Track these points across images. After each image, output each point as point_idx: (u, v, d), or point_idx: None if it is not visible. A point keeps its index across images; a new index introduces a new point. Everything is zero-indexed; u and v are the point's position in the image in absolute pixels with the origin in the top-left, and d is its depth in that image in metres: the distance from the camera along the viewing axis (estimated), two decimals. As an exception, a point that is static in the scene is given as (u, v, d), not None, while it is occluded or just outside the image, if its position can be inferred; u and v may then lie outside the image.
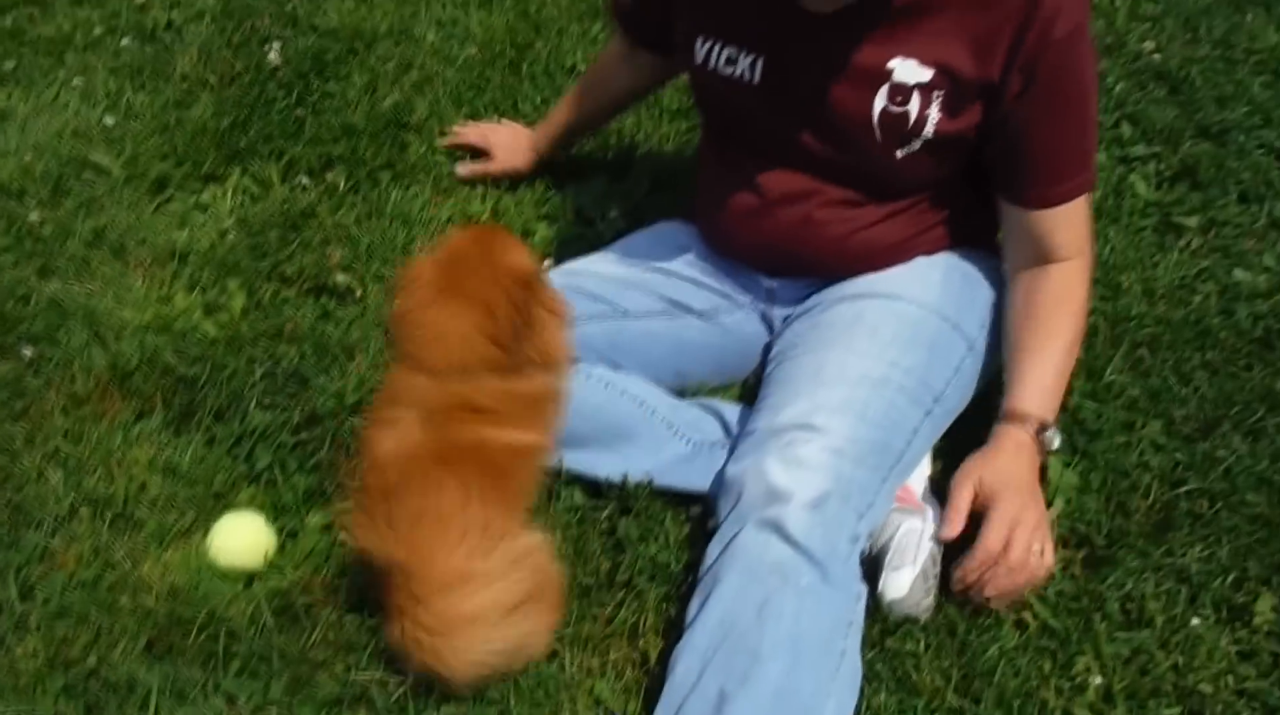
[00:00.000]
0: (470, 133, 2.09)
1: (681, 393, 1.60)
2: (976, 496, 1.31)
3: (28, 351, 1.74)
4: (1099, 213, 1.89)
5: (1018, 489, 1.30)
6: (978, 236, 1.50)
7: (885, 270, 1.47)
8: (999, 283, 1.50)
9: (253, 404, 1.63)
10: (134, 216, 2.04)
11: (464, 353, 1.24)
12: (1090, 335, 1.67)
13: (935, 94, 1.29)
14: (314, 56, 2.44)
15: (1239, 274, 1.77)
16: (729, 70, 1.40)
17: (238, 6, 2.65)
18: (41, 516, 1.50)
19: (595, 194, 2.01)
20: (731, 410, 1.55)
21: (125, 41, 2.54)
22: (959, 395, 1.45)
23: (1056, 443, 1.36)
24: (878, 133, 1.33)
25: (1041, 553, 1.28)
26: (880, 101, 1.31)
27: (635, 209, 1.96)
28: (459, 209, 2.02)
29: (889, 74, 1.29)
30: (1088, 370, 1.62)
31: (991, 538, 1.26)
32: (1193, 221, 1.89)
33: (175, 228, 2.03)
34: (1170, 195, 1.95)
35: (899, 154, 1.34)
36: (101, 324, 1.79)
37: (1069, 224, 1.37)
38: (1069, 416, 1.55)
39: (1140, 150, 2.04)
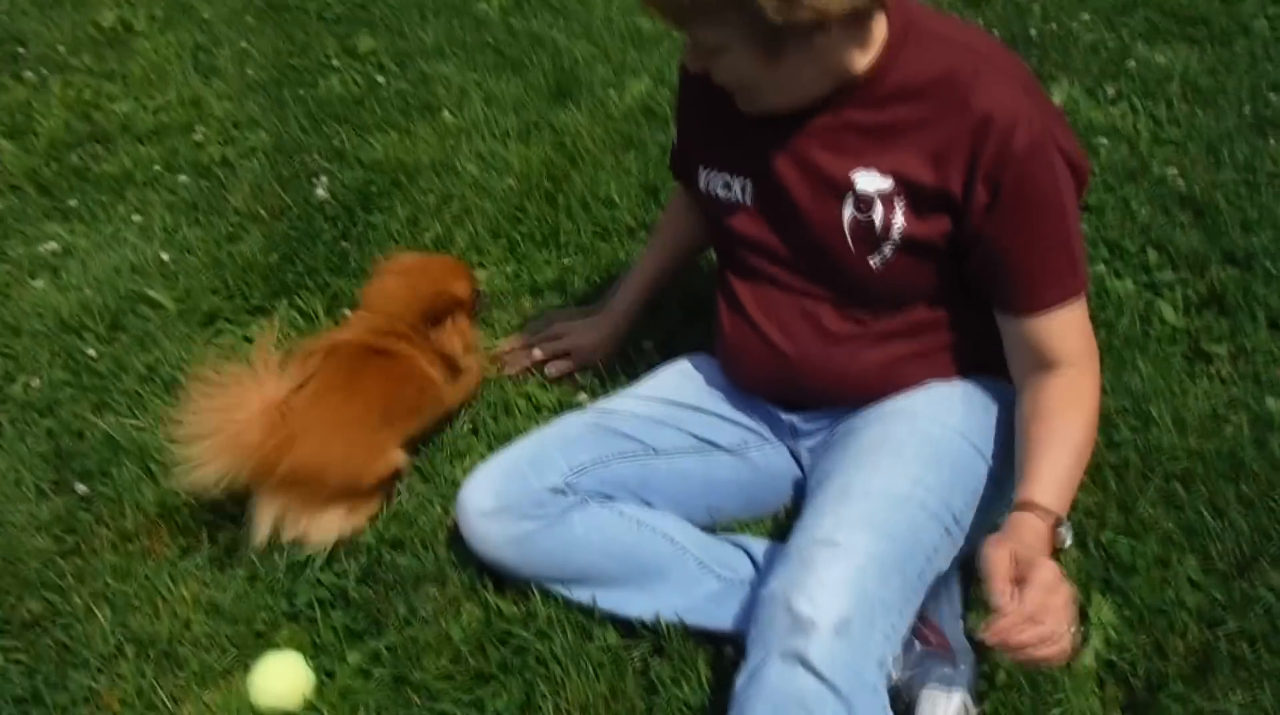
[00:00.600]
0: (546, 347, 1.96)
1: (712, 529, 1.62)
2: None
3: (81, 488, 1.80)
4: (1126, 340, 1.91)
5: (1050, 563, 1.24)
6: (992, 366, 1.52)
7: (906, 394, 1.50)
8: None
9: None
10: (185, 350, 2.12)
11: (393, 302, 1.78)
12: (1122, 467, 1.68)
13: (896, 200, 1.36)
14: (359, 190, 2.56)
15: (1271, 403, 1.77)
16: (725, 194, 1.50)
17: (288, 142, 2.79)
18: (88, 656, 1.53)
19: (633, 329, 2.06)
20: (761, 546, 1.57)
21: (182, 178, 2.67)
22: (976, 521, 1.46)
23: (1069, 541, 1.31)
24: (850, 242, 1.39)
25: (1070, 629, 1.22)
26: (848, 212, 1.38)
27: (669, 340, 2.01)
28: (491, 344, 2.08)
29: (851, 184, 1.37)
30: (1119, 504, 1.62)
31: (1031, 598, 1.19)
32: (1221, 349, 1.90)
33: (224, 360, 2.11)
34: (1198, 322, 1.96)
35: (872, 262, 1.39)
36: (152, 459, 1.85)
37: (1064, 330, 1.37)
38: (1103, 552, 1.55)
39: (1167, 276, 2.06)
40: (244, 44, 3.34)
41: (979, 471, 1.43)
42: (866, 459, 1.40)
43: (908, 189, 1.34)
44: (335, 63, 3.19)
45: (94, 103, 3.09)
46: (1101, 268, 2.08)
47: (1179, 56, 2.81)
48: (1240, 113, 2.56)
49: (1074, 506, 1.59)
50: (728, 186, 1.50)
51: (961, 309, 1.45)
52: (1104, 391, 1.77)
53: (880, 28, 1.32)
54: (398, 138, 2.79)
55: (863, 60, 1.32)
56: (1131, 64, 2.78)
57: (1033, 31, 2.98)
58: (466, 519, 1.50)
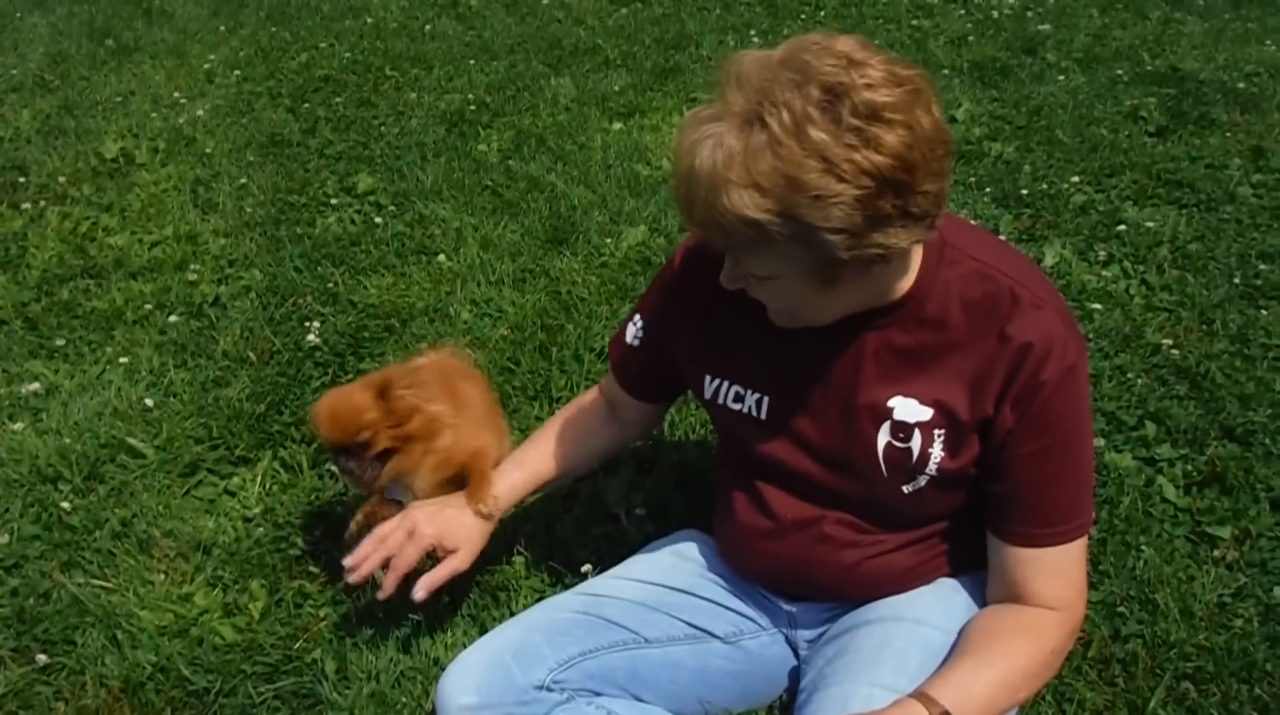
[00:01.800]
0: (412, 551, 1.55)
1: (705, 722, 1.54)
2: None
3: (42, 657, 1.72)
4: (1129, 521, 1.87)
5: None
6: None
7: (908, 592, 1.45)
8: None
9: (264, 722, 1.59)
10: (163, 503, 2.06)
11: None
12: (1129, 663, 1.62)
13: (936, 432, 1.31)
14: (351, 335, 2.54)
15: (1279, 593, 1.72)
16: (737, 406, 1.44)
17: (282, 282, 2.78)
18: None
19: (621, 489, 2.02)
20: (757, 741, 1.49)
21: (172, 317, 2.65)
22: None
23: None
24: (883, 468, 1.34)
25: None
26: (884, 437, 1.33)
27: (662, 506, 1.96)
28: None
29: (890, 412, 1.32)
30: (1129, 705, 1.55)
31: None
32: (1225, 532, 1.86)
33: (202, 514, 2.05)
34: (1200, 501, 1.93)
35: (905, 489, 1.35)
36: (119, 626, 1.77)
37: (1056, 572, 1.31)
38: (1115, 760, 1.48)
39: (1166, 452, 2.04)
40: (244, 179, 3.37)
41: None
42: (868, 669, 1.34)
43: (948, 421, 1.31)
44: (334, 201, 3.21)
45: (90, 234, 3.10)
46: (1101, 441, 2.05)
47: (1168, 221, 2.85)
48: (1231, 281, 2.58)
49: (1080, 705, 1.54)
50: (740, 398, 1.44)
51: (974, 509, 1.41)
52: (1108, 576, 1.75)
53: (918, 250, 1.28)
54: (392, 280, 2.79)
55: (905, 283, 1.29)
56: (1122, 227, 2.82)
57: (1024, 190, 3.04)
58: (446, 713, 1.42)
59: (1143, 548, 1.82)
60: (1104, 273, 2.66)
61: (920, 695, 1.24)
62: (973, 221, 1.48)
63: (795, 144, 1.08)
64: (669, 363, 1.55)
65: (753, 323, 1.36)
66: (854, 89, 1.08)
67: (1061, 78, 3.83)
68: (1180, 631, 1.66)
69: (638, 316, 1.60)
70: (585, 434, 1.69)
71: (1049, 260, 2.70)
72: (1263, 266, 2.63)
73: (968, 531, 1.43)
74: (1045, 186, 3.06)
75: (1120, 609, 1.70)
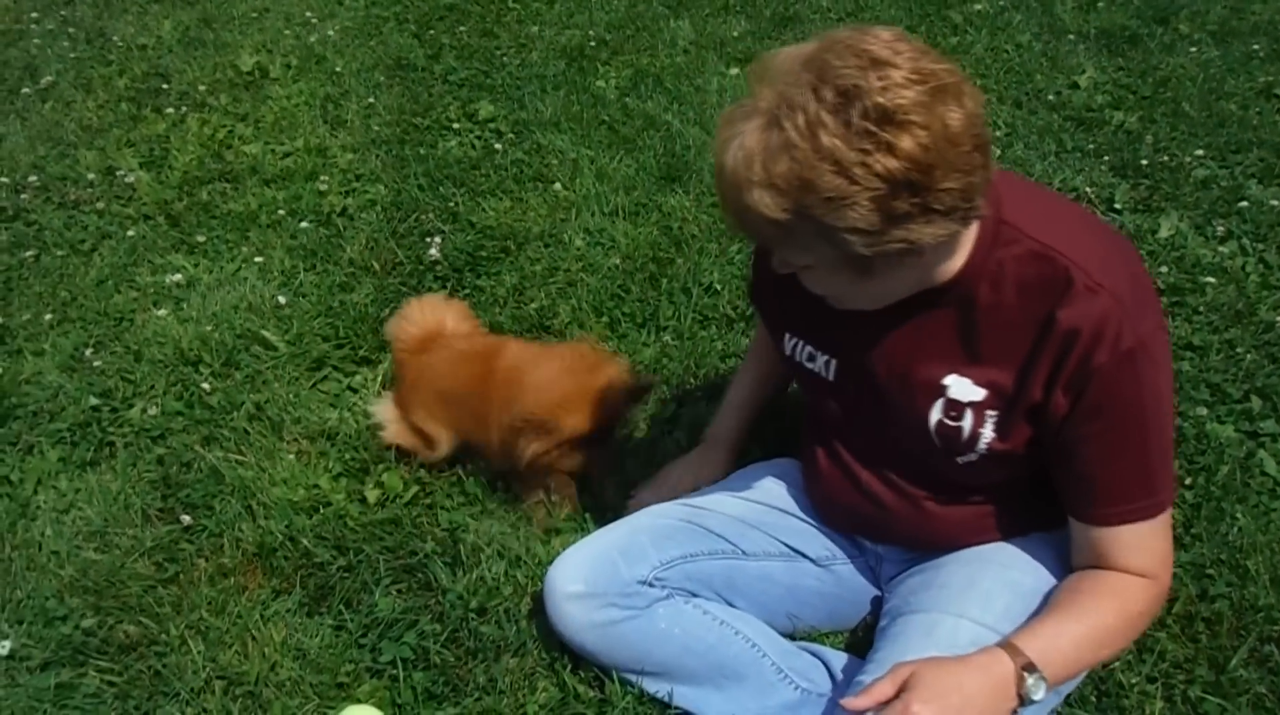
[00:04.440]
0: (654, 494, 1.80)
1: (792, 636, 1.63)
2: (900, 690, 1.23)
3: (186, 518, 1.88)
4: (1225, 489, 1.89)
5: (944, 702, 1.20)
6: None
7: (998, 542, 1.49)
8: None
9: (381, 596, 1.72)
10: (293, 392, 2.20)
11: None
12: (1214, 622, 1.65)
13: (988, 413, 1.33)
14: (470, 253, 2.65)
15: (1373, 572, 1.73)
16: (810, 365, 1.49)
17: (406, 199, 2.90)
18: (179, 688, 1.59)
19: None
20: (840, 660, 1.57)
21: (303, 224, 2.79)
22: (1071, 682, 1.44)
23: (1040, 694, 1.25)
24: (936, 441, 1.37)
25: None
26: (936, 414, 1.35)
27: (758, 433, 2.03)
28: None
29: (944, 389, 1.34)
30: (1210, 661, 1.59)
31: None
32: (1324, 508, 1.86)
33: (327, 407, 2.19)
34: (1301, 477, 1.93)
35: (959, 461, 1.38)
36: (254, 498, 1.92)
37: (1134, 547, 1.32)
38: (1190, 708, 1.52)
39: (1270, 426, 2.03)
40: (371, 99, 3.49)
41: None
42: (955, 601, 1.41)
43: (1001, 402, 1.32)
44: (456, 125, 3.31)
45: (227, 142, 3.25)
46: (1203, 411, 2.06)
47: (1293, 201, 2.79)
48: (1354, 266, 2.53)
49: (1161, 656, 1.58)
50: (813, 358, 1.48)
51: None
52: (1200, 540, 1.78)
53: (972, 230, 1.27)
54: (510, 205, 2.88)
55: (955, 264, 1.28)
56: (1244, 204, 2.77)
57: (1143, 161, 2.99)
58: (553, 600, 1.53)
59: (1238, 516, 1.83)
60: (1221, 248, 2.62)
61: (1006, 645, 1.28)
62: (1053, 190, 1.44)
63: (809, 147, 1.10)
64: (769, 312, 1.62)
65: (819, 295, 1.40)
66: (868, 92, 1.08)
67: (1193, 49, 3.72)
68: (1269, 597, 1.68)
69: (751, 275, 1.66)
70: (768, 353, 1.82)
71: (1164, 232, 2.67)
72: (1389, 254, 2.56)
73: (1047, 489, 1.47)
74: (1166, 158, 3.01)
75: (1210, 571, 1.73)
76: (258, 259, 2.64)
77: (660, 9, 4.18)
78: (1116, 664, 1.57)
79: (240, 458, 2.02)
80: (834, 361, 1.45)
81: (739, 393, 1.88)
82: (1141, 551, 1.32)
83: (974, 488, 1.44)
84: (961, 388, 1.33)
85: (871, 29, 1.14)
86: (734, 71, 3.65)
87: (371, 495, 1.95)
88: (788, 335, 1.51)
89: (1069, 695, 1.52)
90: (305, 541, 1.82)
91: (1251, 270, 2.53)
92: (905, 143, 1.09)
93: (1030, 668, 1.25)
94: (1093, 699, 1.54)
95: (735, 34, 3.95)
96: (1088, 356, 1.23)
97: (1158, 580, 1.34)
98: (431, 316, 2.00)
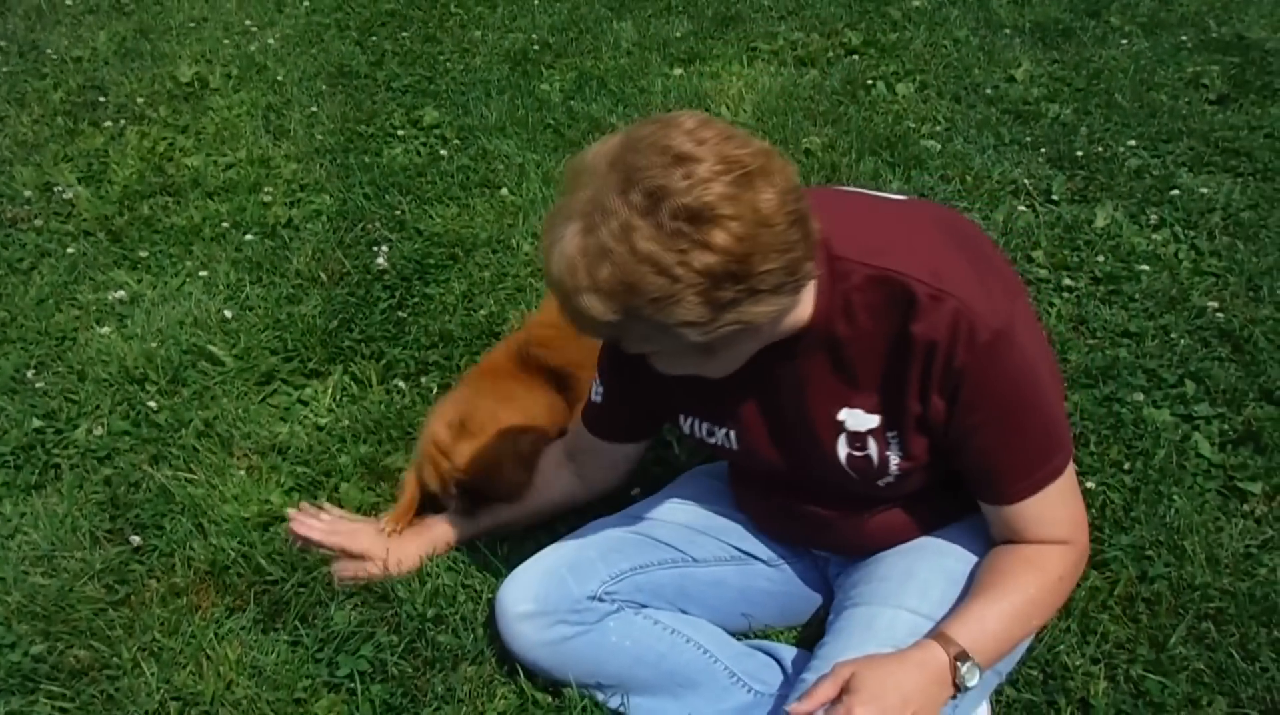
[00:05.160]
0: (333, 538, 1.76)
1: (746, 635, 1.65)
2: (842, 691, 1.26)
3: (135, 538, 1.86)
4: (1162, 472, 1.94)
5: (883, 703, 1.24)
6: None
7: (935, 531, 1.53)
8: None
9: (336, 610, 1.71)
10: (241, 408, 2.19)
11: None
12: (1154, 602, 1.70)
13: (888, 435, 1.36)
14: (418, 261, 2.64)
15: (1305, 547, 1.79)
16: (712, 439, 1.50)
17: (352, 208, 2.88)
18: (132, 710, 1.57)
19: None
20: (791, 653, 1.60)
21: (248, 237, 2.76)
22: (1008, 661, 1.49)
23: (974, 680, 1.29)
24: (852, 473, 1.40)
25: None
26: (843, 449, 1.38)
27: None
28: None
29: (841, 425, 1.37)
30: (1150, 640, 1.64)
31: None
32: (1256, 487, 1.92)
33: (277, 421, 2.18)
34: (1234, 458, 1.99)
35: (880, 483, 1.41)
36: (204, 516, 1.90)
37: (1042, 518, 1.36)
38: (1133, 687, 1.57)
39: (1204, 410, 2.10)
40: (314, 108, 3.46)
41: None
42: (894, 593, 1.44)
43: (892, 422, 1.34)
44: (400, 132, 3.30)
45: (167, 154, 3.21)
46: (1140, 396, 2.11)
47: (1222, 188, 2.87)
48: (1281, 249, 2.61)
49: (1104, 637, 1.63)
50: (712, 433, 1.49)
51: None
52: (1139, 522, 1.83)
53: (810, 285, 1.27)
54: (457, 211, 2.88)
55: (803, 314, 1.30)
56: (1175, 192, 2.84)
57: (1079, 152, 3.06)
58: (504, 620, 1.54)
59: (1174, 497, 1.89)
60: (1154, 236, 2.69)
61: (938, 636, 1.32)
62: (872, 196, 1.45)
63: (626, 251, 1.10)
64: (632, 411, 1.61)
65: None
66: (674, 193, 1.09)
67: (1124, 42, 3.82)
68: (1205, 576, 1.74)
69: (596, 378, 1.62)
70: (547, 483, 1.76)
71: (1100, 222, 2.74)
72: (1315, 237, 2.65)
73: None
74: (1101, 149, 3.08)
75: (1149, 552, 1.78)
76: (202, 273, 2.62)
77: (602, 11, 4.20)
78: (1061, 646, 1.61)
79: (190, 476, 2.00)
80: (732, 431, 1.47)
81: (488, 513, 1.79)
82: (1050, 521, 1.37)
83: (901, 496, 1.48)
84: (856, 419, 1.36)
85: (675, 119, 1.14)
86: (677, 72, 3.68)
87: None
88: (682, 416, 1.51)
89: (1014, 678, 1.56)
90: (258, 558, 1.81)
91: (1184, 257, 2.61)
92: (718, 238, 1.10)
93: (963, 656, 1.30)
94: (1039, 681, 1.58)
95: (678, 34, 3.97)
96: (949, 360, 1.26)
97: (1073, 543, 1.39)
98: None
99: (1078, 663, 1.60)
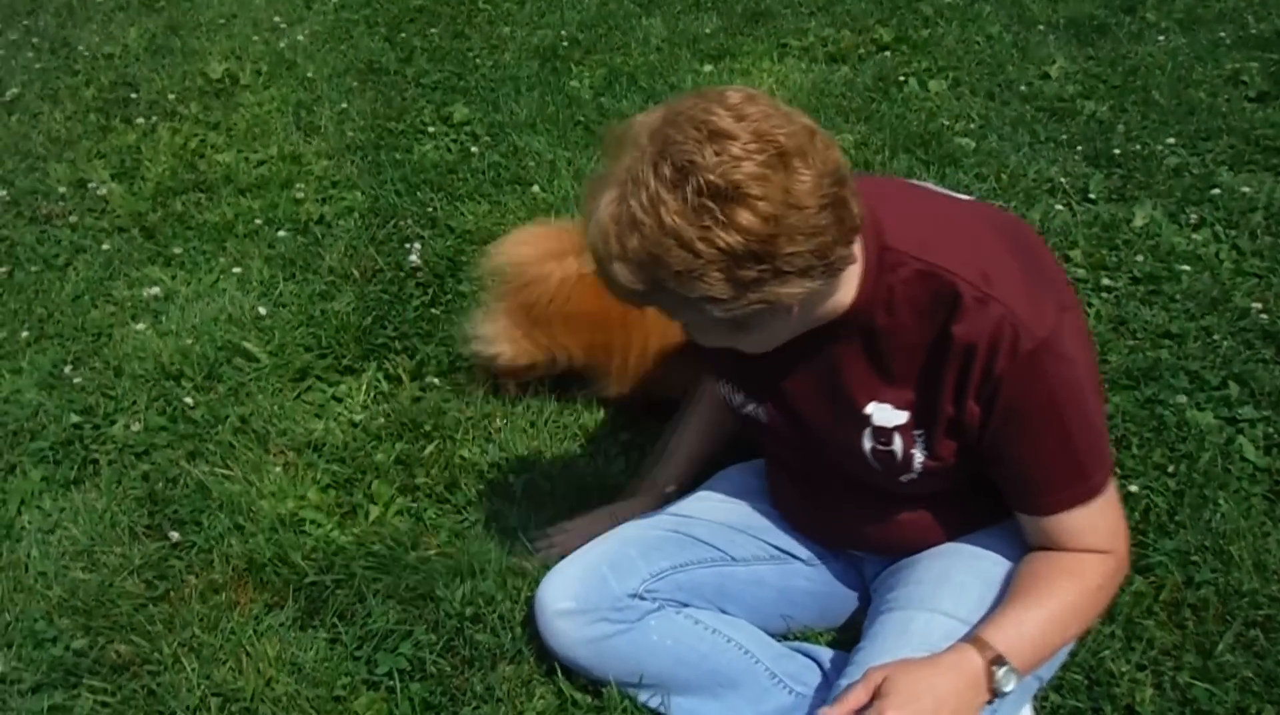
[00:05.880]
0: (572, 543, 1.70)
1: (786, 636, 1.64)
2: (874, 695, 1.25)
3: (174, 534, 1.86)
4: (1207, 476, 1.91)
5: (916, 706, 1.22)
6: None
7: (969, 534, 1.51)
8: None
9: (375, 607, 1.71)
10: (277, 404, 2.19)
11: None
12: (1200, 609, 1.67)
13: (915, 434, 1.34)
14: (450, 258, 2.64)
15: (1353, 554, 1.76)
16: (745, 410, 1.49)
17: (384, 205, 2.89)
18: (174, 706, 1.58)
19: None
20: (830, 655, 1.58)
21: (281, 233, 2.77)
22: (1049, 666, 1.46)
23: (1010, 685, 1.27)
24: (876, 466, 1.39)
25: None
26: (868, 442, 1.37)
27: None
28: (583, 423, 2.12)
29: (868, 418, 1.35)
30: (1197, 647, 1.62)
31: None
32: (1303, 492, 1.90)
33: (312, 417, 2.18)
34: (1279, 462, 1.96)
35: (903, 480, 1.40)
36: (241, 513, 1.90)
37: (1080, 530, 1.34)
38: (1179, 694, 1.54)
39: (1248, 412, 2.06)
40: (344, 104, 3.47)
41: None
42: (929, 596, 1.43)
43: (924, 422, 1.33)
44: (431, 129, 3.30)
45: (199, 151, 3.23)
46: (1183, 398, 2.09)
47: (1264, 187, 2.83)
48: (1324, 250, 2.57)
49: (1150, 644, 1.60)
50: (744, 405, 1.48)
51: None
52: (1184, 527, 1.80)
53: (854, 267, 1.26)
54: (489, 208, 2.88)
55: (844, 299, 1.28)
56: (1215, 191, 2.80)
57: (1116, 150, 3.03)
58: (544, 617, 1.53)
59: (1220, 502, 1.86)
60: (1195, 236, 2.66)
61: (974, 640, 1.30)
62: (931, 189, 1.44)
63: (654, 223, 1.10)
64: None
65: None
66: (703, 168, 1.08)
67: (1161, 38, 3.77)
68: (1253, 582, 1.71)
69: None
70: (719, 413, 1.78)
71: (1139, 221, 2.70)
72: (1358, 237, 2.61)
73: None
74: (1138, 147, 3.05)
75: (1194, 558, 1.75)
76: (236, 270, 2.62)
77: (631, 7, 4.18)
78: (1106, 652, 1.59)
79: (226, 472, 2.01)
80: (764, 407, 1.46)
81: (688, 442, 1.81)
82: (1088, 532, 1.34)
83: (928, 496, 1.46)
84: (884, 414, 1.35)
85: (721, 93, 1.13)
86: (708, 69, 3.66)
87: (365, 505, 1.94)
88: (721, 382, 1.52)
89: (1058, 683, 1.54)
90: (295, 556, 1.81)
91: (1225, 257, 2.57)
92: (743, 217, 1.09)
93: (999, 661, 1.28)
94: (1084, 686, 1.56)
95: (708, 30, 3.96)
96: (989, 366, 1.24)
97: (1112, 553, 1.36)
98: (546, 242, 2.05)
99: (1123, 669, 1.58)
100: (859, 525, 1.53)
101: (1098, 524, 1.35)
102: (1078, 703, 1.54)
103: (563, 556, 1.61)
